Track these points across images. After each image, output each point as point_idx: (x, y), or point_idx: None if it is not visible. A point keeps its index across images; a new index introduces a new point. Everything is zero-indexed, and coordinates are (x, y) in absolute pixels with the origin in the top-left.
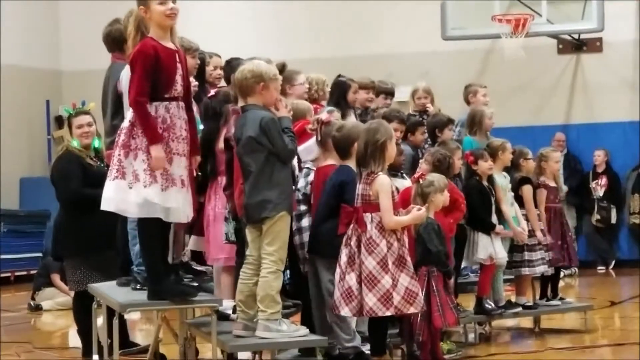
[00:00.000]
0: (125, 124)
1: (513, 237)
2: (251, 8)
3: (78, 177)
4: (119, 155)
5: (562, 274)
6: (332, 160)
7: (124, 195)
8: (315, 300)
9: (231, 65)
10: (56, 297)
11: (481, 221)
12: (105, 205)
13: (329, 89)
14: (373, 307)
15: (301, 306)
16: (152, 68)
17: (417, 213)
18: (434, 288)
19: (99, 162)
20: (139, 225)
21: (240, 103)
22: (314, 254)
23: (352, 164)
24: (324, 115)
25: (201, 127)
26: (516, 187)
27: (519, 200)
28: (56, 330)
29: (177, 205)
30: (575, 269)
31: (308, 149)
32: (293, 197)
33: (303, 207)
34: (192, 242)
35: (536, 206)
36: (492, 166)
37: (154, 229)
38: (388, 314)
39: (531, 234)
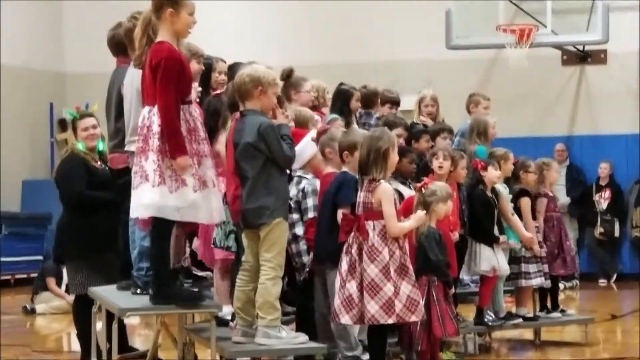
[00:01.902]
0: (155, 129)
1: (512, 248)
2: (254, 13)
3: (83, 180)
4: (157, 160)
5: (562, 286)
6: (331, 168)
7: (168, 199)
8: (321, 308)
9: (234, 70)
10: (51, 301)
11: (485, 233)
12: (145, 212)
13: (330, 96)
14: (375, 315)
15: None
16: (179, 74)
17: (419, 215)
18: (434, 297)
19: (103, 165)
20: (156, 227)
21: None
22: (323, 265)
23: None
24: (319, 125)
25: None
26: (514, 199)
27: (517, 211)
28: (52, 333)
29: (213, 206)
30: (577, 281)
31: (297, 156)
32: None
33: (295, 216)
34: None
35: (535, 216)
36: (500, 175)
37: (169, 232)
38: (390, 321)
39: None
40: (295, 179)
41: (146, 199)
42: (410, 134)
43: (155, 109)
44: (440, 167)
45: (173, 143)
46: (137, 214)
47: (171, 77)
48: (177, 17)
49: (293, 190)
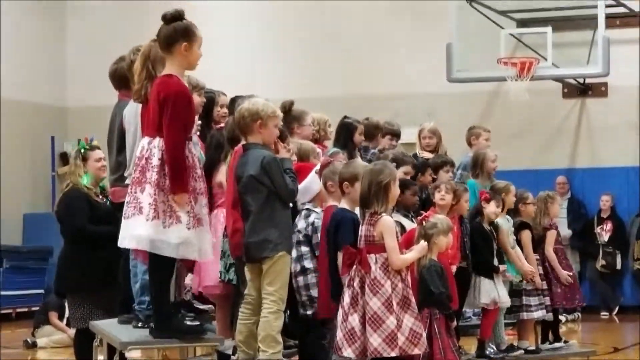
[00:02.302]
0: (155, 162)
1: (513, 281)
2: (256, 47)
3: (84, 214)
4: (154, 194)
5: (564, 319)
6: (333, 201)
7: (162, 235)
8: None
9: (235, 104)
10: (53, 335)
11: (484, 264)
12: (139, 244)
13: (331, 129)
14: (378, 348)
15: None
16: (187, 109)
17: (421, 246)
18: (436, 330)
19: (104, 199)
20: (154, 261)
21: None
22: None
23: (347, 203)
24: (322, 158)
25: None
26: (515, 231)
27: (518, 244)
28: None
29: (204, 246)
30: (579, 313)
31: (305, 189)
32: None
33: (304, 249)
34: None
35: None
36: (499, 213)
37: (168, 266)
38: (393, 355)
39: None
40: (303, 212)
41: (138, 232)
42: (412, 166)
43: (157, 141)
44: (442, 200)
45: (177, 179)
46: (126, 244)
47: (180, 112)
48: (190, 51)
49: (302, 224)
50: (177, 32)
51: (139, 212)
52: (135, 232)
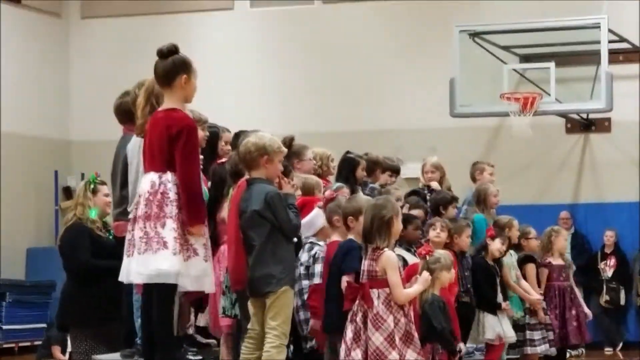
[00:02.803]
0: (172, 196)
1: (514, 317)
2: (256, 82)
3: (87, 248)
4: (177, 228)
5: (569, 354)
6: (337, 237)
7: (183, 268)
8: None
9: (239, 138)
10: None
11: (487, 300)
12: (167, 279)
13: (334, 164)
14: None
15: None
16: (197, 142)
17: (424, 277)
18: None
19: (107, 234)
20: (163, 293)
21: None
22: (332, 334)
23: (354, 237)
24: (327, 192)
25: None
26: (519, 265)
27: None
28: None
29: (214, 276)
30: (583, 349)
31: (309, 223)
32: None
33: (305, 282)
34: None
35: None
36: (503, 250)
37: (173, 298)
38: None
39: (532, 313)
40: (307, 245)
41: (164, 266)
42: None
43: (169, 176)
44: (437, 237)
45: (195, 211)
46: (143, 279)
47: (194, 144)
48: (188, 83)
49: (305, 257)
50: (176, 65)
51: (163, 246)
52: (160, 266)
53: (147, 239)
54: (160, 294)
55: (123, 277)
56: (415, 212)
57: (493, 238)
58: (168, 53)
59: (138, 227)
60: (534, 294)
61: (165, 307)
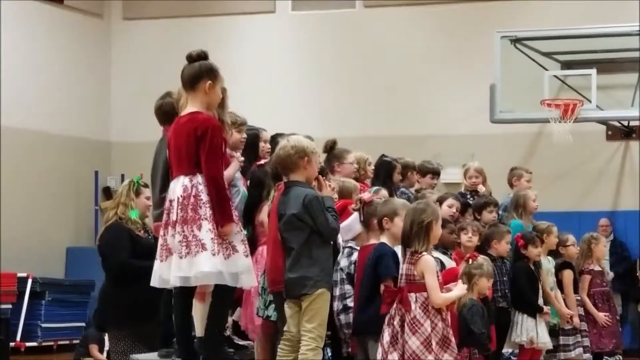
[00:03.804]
0: (204, 198)
1: (550, 322)
2: (295, 85)
3: (127, 249)
4: (213, 229)
5: None
6: (374, 240)
7: (224, 267)
8: None
9: (276, 141)
10: None
11: (528, 304)
12: (208, 280)
13: (371, 168)
14: None
15: None
16: (222, 143)
17: (461, 286)
18: None
19: (147, 234)
20: (221, 292)
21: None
22: (363, 335)
23: (387, 239)
24: (365, 196)
25: None
26: (556, 271)
27: (559, 283)
28: None
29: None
30: (620, 356)
31: (347, 227)
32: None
33: (347, 287)
34: (237, 314)
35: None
36: (541, 252)
37: (230, 298)
38: None
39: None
40: (346, 250)
41: (205, 268)
42: (455, 198)
43: (199, 178)
44: (469, 241)
45: (224, 211)
46: (190, 282)
47: (218, 144)
48: (212, 90)
49: (344, 262)
50: (202, 70)
51: (202, 248)
52: (204, 268)
53: (186, 243)
54: (215, 295)
55: (155, 282)
56: (448, 201)
57: (524, 247)
58: (197, 57)
59: (175, 232)
60: (564, 308)
61: (219, 308)
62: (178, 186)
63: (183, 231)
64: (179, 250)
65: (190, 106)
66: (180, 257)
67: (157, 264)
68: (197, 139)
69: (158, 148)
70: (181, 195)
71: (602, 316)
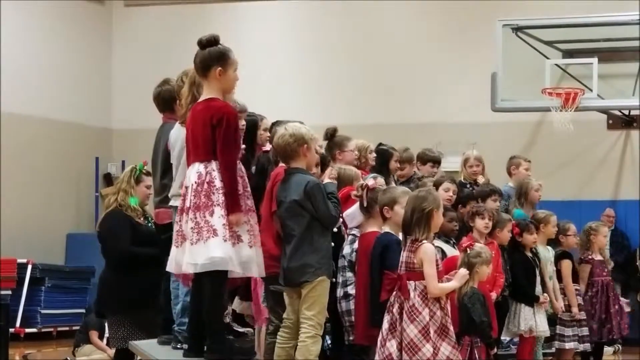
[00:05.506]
0: (218, 184)
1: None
2: (298, 72)
3: (127, 236)
4: (225, 215)
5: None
6: (376, 227)
7: (233, 253)
8: None
9: (276, 129)
10: (93, 354)
11: (524, 293)
12: (218, 266)
13: (372, 156)
14: None
15: None
16: (238, 130)
17: (461, 274)
18: (477, 358)
19: (146, 221)
20: (215, 281)
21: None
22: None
23: (390, 227)
24: (369, 182)
25: None
26: (555, 261)
27: (558, 273)
28: None
29: (261, 261)
30: (619, 345)
31: (351, 215)
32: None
33: (349, 274)
34: (236, 304)
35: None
36: (536, 239)
37: (225, 285)
38: None
39: (567, 308)
40: (349, 238)
41: (216, 254)
42: (458, 198)
43: (214, 164)
44: (486, 227)
45: (234, 200)
46: (198, 269)
47: (233, 132)
48: (224, 75)
49: (347, 249)
50: (212, 57)
51: (214, 234)
52: (215, 254)
53: (198, 229)
54: (213, 282)
55: (171, 268)
56: (444, 185)
57: (519, 234)
58: (207, 43)
59: (188, 218)
60: (559, 301)
61: (217, 296)
62: (193, 173)
63: (195, 217)
64: (190, 237)
65: (205, 92)
66: (191, 243)
67: (173, 250)
68: (213, 126)
69: (158, 135)
70: (195, 182)
71: (575, 311)
